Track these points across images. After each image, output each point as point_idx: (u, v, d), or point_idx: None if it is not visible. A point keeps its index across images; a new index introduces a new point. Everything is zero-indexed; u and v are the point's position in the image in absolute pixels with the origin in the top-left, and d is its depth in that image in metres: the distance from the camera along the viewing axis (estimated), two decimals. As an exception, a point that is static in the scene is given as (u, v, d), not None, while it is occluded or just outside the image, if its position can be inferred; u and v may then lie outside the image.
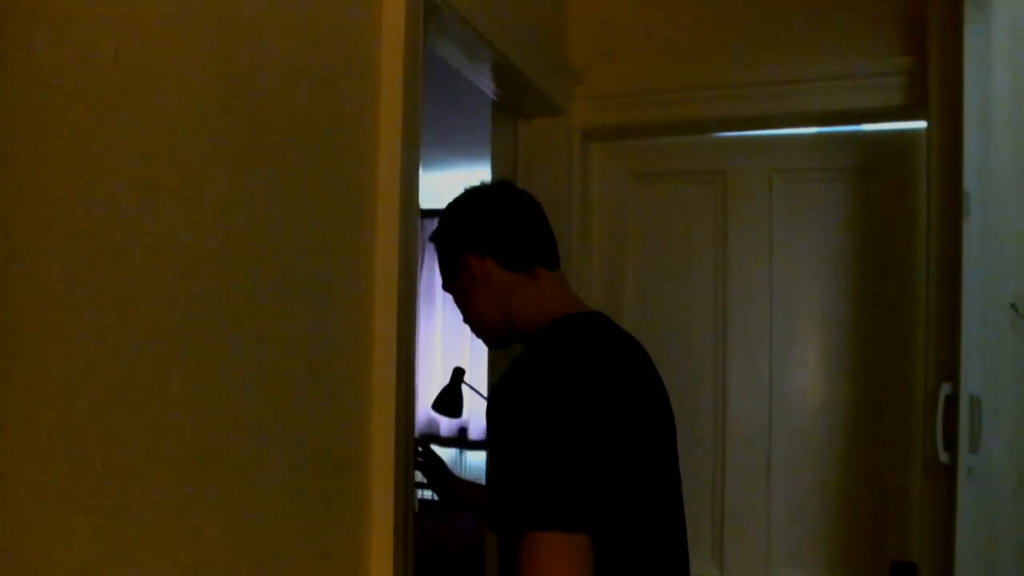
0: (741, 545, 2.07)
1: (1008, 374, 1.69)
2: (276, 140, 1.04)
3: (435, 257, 1.40)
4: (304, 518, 1.10)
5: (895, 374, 1.96)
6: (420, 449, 1.63)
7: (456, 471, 5.18)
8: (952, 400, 1.57)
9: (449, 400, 2.44)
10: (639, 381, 1.22)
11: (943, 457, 1.60)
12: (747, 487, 2.08)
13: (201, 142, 0.90)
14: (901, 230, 1.97)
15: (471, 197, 1.37)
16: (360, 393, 1.23)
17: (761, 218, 2.10)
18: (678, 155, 2.23)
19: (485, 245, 1.29)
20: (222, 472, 0.93)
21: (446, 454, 5.00)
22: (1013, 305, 1.69)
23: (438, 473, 1.64)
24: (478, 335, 1.38)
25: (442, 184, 2.78)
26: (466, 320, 1.38)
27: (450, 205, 1.37)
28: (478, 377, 2.36)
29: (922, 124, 1.86)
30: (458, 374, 2.42)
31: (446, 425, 4.88)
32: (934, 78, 1.76)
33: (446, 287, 1.39)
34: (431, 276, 4.63)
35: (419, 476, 1.60)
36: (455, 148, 4.15)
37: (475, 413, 4.69)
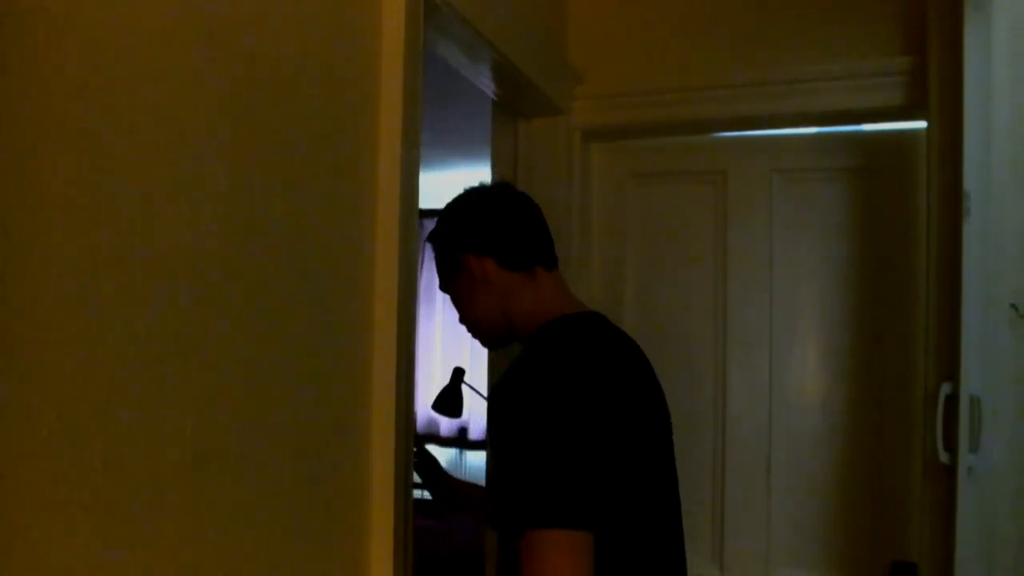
0: (741, 545, 2.07)
1: (1008, 374, 1.69)
2: (276, 140, 1.04)
3: (433, 257, 1.40)
4: (304, 518, 1.10)
5: (895, 374, 1.96)
6: (415, 449, 1.64)
7: (456, 472, 5.18)
8: (952, 400, 1.57)
9: (449, 400, 2.43)
10: (637, 381, 1.22)
11: (943, 457, 1.60)
12: (747, 487, 2.08)
13: (201, 142, 0.90)
14: (901, 230, 1.97)
15: (471, 197, 1.37)
16: (360, 393, 1.23)
17: (761, 218, 2.10)
18: (678, 155, 2.23)
19: (485, 245, 1.29)
20: (222, 472, 0.93)
21: (446, 454, 5.00)
22: (1013, 305, 1.69)
23: (432, 473, 1.64)
24: (475, 335, 1.38)
25: (442, 184, 2.78)
26: (463, 320, 1.38)
27: (449, 205, 1.38)
28: (478, 377, 2.36)
29: (922, 124, 1.86)
30: (458, 374, 2.42)
31: (446, 425, 4.88)
32: (934, 78, 1.76)
33: (443, 287, 1.39)
34: (431, 276, 4.63)
35: (414, 476, 1.60)
36: (455, 148, 4.15)
37: (475, 413, 4.69)
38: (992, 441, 1.61)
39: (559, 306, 1.27)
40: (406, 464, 1.27)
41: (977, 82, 1.60)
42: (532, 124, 2.14)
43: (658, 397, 1.26)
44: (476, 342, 1.40)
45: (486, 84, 1.87)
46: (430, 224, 1.43)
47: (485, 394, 2.19)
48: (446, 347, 4.78)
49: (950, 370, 1.60)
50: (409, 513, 1.28)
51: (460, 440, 4.91)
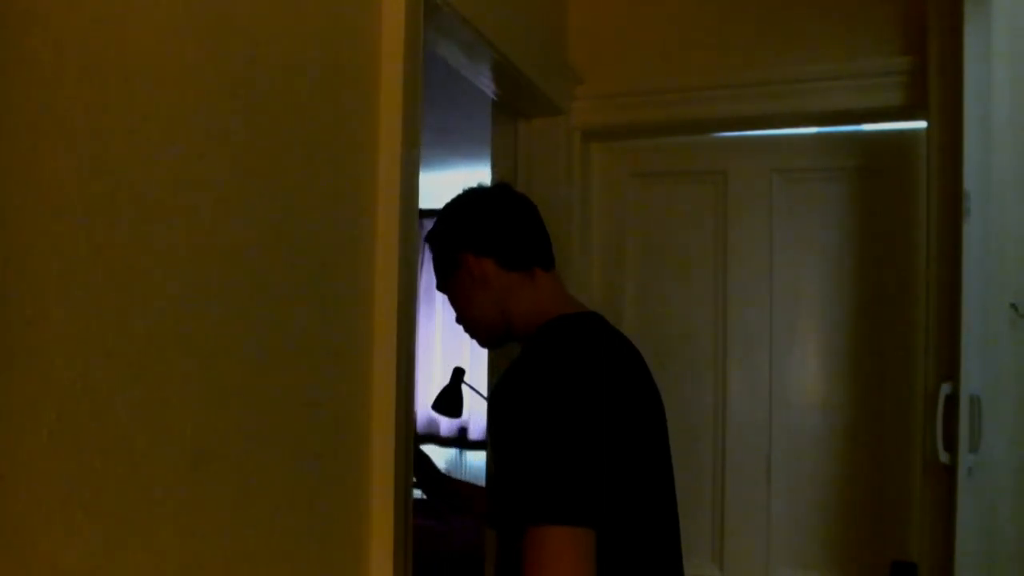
0: (741, 545, 2.08)
1: (1008, 374, 1.69)
2: (276, 140, 1.04)
3: (431, 257, 1.41)
4: (304, 518, 1.10)
5: (895, 374, 1.96)
6: None
7: (456, 472, 5.18)
8: (952, 400, 1.57)
9: (449, 400, 2.43)
10: (635, 381, 1.23)
11: (943, 457, 1.60)
12: (747, 487, 2.08)
13: (201, 142, 0.90)
14: (901, 230, 1.97)
15: (469, 198, 1.37)
16: (360, 393, 1.23)
17: (761, 218, 2.10)
18: (678, 155, 2.23)
19: (484, 245, 1.30)
20: (222, 472, 0.93)
21: (446, 454, 5.00)
22: (1013, 305, 1.69)
23: (426, 472, 1.64)
24: (473, 335, 1.39)
25: (442, 184, 2.78)
26: (460, 320, 1.38)
27: (447, 205, 1.38)
28: (478, 377, 2.36)
29: (922, 124, 1.86)
30: (458, 374, 2.42)
31: (446, 425, 4.88)
32: (934, 78, 1.76)
33: (441, 287, 1.39)
34: (431, 276, 4.62)
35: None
36: (455, 148, 4.14)
37: (475, 413, 4.69)
38: (992, 441, 1.60)
39: (558, 306, 1.27)
40: (406, 464, 1.27)
41: (977, 82, 1.60)
42: (532, 124, 2.14)
43: (654, 397, 1.27)
44: (476, 342, 1.41)
45: (486, 84, 1.87)
46: (430, 224, 1.43)
47: (485, 394, 2.19)
48: (446, 347, 4.78)
49: (950, 370, 1.60)
50: (409, 513, 1.28)
51: (460, 440, 4.90)
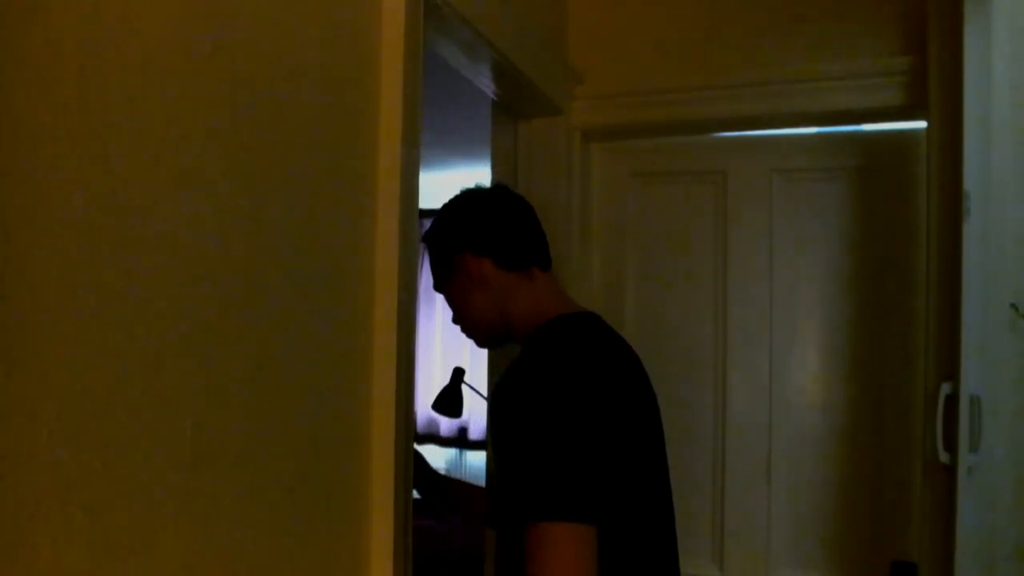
0: (741, 545, 2.07)
1: (1008, 374, 1.69)
2: (276, 140, 1.04)
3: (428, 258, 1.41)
4: (304, 518, 1.10)
5: (895, 374, 1.96)
6: None
7: (456, 472, 5.17)
8: (952, 400, 1.57)
9: (449, 400, 2.44)
10: (632, 380, 1.24)
11: (943, 457, 1.60)
12: (747, 487, 2.08)
13: (201, 142, 0.90)
14: (901, 230, 1.97)
15: (468, 198, 1.37)
16: (360, 393, 1.23)
17: (761, 218, 2.10)
18: (678, 155, 2.23)
19: (483, 245, 1.30)
20: (222, 472, 0.93)
21: (446, 454, 5.00)
22: (1013, 305, 1.69)
23: (421, 471, 1.64)
24: (470, 335, 1.39)
25: (442, 184, 2.78)
26: (458, 320, 1.38)
27: (445, 206, 1.38)
28: (478, 377, 2.36)
29: (922, 124, 1.86)
30: (458, 374, 2.43)
31: (446, 425, 4.88)
32: (934, 78, 1.76)
33: (438, 287, 1.39)
34: (431, 276, 4.62)
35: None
36: (455, 148, 4.14)
37: (475, 413, 4.69)
38: (992, 441, 1.61)
39: (556, 306, 1.28)
40: (406, 464, 1.28)
41: (977, 82, 1.60)
42: (532, 124, 2.14)
43: (651, 398, 1.28)
44: (474, 342, 1.41)
45: (486, 84, 1.87)
46: (430, 224, 1.43)
47: (485, 394, 2.19)
48: (446, 347, 4.78)
49: (950, 370, 1.60)
50: (409, 513, 1.28)
51: (460, 440, 4.90)
